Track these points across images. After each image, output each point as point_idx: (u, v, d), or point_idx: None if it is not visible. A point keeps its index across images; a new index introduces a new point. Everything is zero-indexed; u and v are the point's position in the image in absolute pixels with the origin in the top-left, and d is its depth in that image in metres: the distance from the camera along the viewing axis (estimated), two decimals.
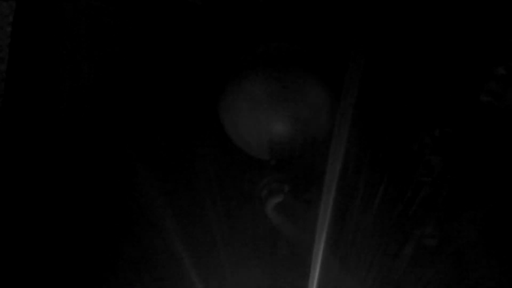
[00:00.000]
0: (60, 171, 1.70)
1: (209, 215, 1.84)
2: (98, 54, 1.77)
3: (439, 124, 1.93)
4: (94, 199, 1.74)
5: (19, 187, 1.63)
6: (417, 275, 1.92)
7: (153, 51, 1.88)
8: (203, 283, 1.78)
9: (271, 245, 1.94)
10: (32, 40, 1.64)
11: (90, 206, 1.74)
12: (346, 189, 1.88)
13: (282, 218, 1.90)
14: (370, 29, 1.82)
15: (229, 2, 1.92)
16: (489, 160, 1.92)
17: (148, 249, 1.78)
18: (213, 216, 1.84)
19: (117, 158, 1.74)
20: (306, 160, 1.96)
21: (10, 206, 1.60)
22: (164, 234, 1.76)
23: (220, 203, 1.85)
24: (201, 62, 1.94)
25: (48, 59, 1.68)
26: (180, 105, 1.88)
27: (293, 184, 1.93)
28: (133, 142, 1.75)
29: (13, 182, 1.61)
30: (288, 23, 1.95)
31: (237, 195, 1.90)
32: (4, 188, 1.59)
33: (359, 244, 1.92)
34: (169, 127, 1.86)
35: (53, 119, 1.69)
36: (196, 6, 1.89)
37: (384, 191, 1.93)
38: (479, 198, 1.90)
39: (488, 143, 1.93)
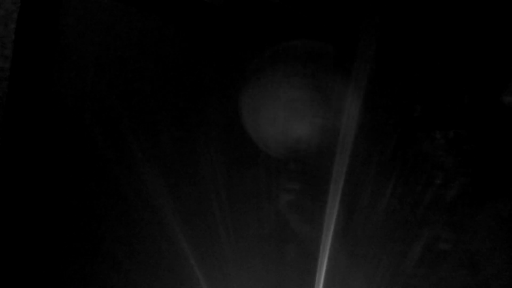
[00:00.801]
0: (63, 168, 1.71)
1: (215, 214, 1.83)
2: (104, 52, 1.76)
3: (454, 125, 1.88)
4: (96, 198, 1.74)
5: (21, 184, 1.63)
6: (430, 277, 1.89)
7: (162, 49, 1.87)
8: (208, 282, 1.78)
9: (277, 244, 1.93)
10: (37, 38, 1.64)
11: (91, 205, 1.74)
12: (355, 188, 1.86)
13: (293, 216, 1.91)
14: (382, 29, 1.78)
15: (248, 3, 1.90)
16: (506, 162, 1.86)
17: (151, 249, 1.78)
18: (219, 215, 1.83)
19: (120, 155, 1.74)
20: (324, 160, 1.94)
21: (11, 203, 1.61)
22: (169, 233, 1.76)
23: (226, 202, 1.84)
24: (212, 60, 1.92)
25: (53, 57, 1.67)
26: (187, 103, 1.87)
27: (307, 184, 1.92)
28: (135, 140, 1.75)
29: (15, 179, 1.62)
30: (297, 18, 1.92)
31: (243, 193, 1.89)
32: (6, 185, 1.60)
33: (368, 243, 1.90)
34: (174, 126, 1.85)
35: (57, 117, 1.69)
36: (213, 6, 1.87)
37: (395, 192, 1.90)
38: (493, 200, 1.85)
39: (507, 144, 1.87)
